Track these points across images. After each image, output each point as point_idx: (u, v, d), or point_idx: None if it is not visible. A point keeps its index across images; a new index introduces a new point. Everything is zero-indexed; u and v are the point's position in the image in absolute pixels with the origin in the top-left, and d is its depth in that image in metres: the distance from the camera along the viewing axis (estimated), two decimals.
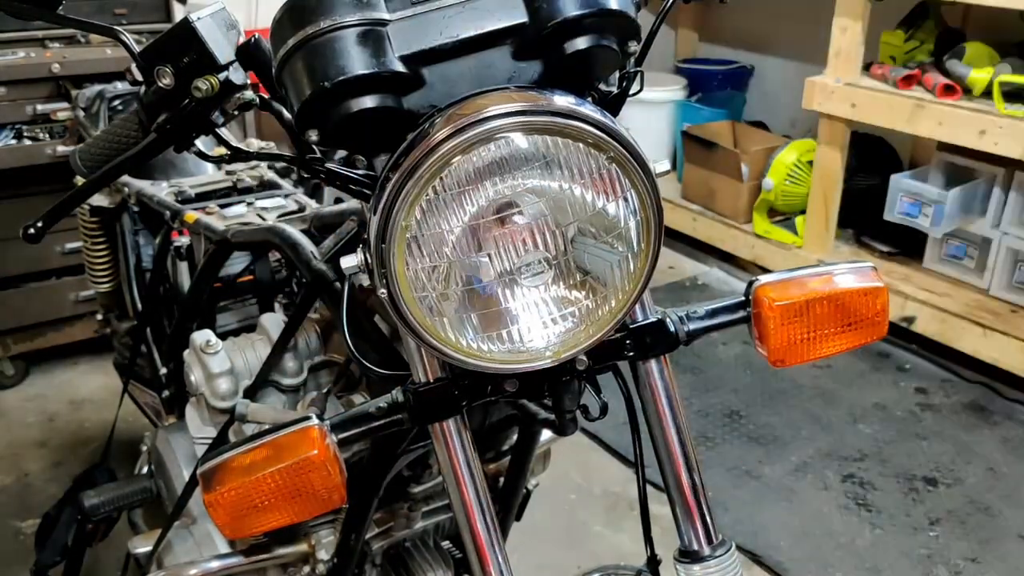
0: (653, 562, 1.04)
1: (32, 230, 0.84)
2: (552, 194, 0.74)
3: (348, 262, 0.76)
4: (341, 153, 0.85)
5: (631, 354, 0.93)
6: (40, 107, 2.53)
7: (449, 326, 0.76)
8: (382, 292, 0.73)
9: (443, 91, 0.73)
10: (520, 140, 0.70)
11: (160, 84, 0.78)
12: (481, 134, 0.69)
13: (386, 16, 0.71)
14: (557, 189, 0.73)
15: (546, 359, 0.79)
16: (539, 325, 0.78)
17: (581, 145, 0.72)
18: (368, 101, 0.71)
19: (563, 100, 0.71)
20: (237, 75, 0.78)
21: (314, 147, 0.77)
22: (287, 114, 0.78)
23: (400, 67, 0.71)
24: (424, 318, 0.75)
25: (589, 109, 0.72)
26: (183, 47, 0.76)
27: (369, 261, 0.75)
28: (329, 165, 0.78)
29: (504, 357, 0.78)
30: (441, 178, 0.70)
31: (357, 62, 0.70)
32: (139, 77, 0.80)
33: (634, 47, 0.78)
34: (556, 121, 0.70)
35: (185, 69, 0.77)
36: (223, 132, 0.88)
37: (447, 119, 0.70)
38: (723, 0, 0.97)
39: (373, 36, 0.71)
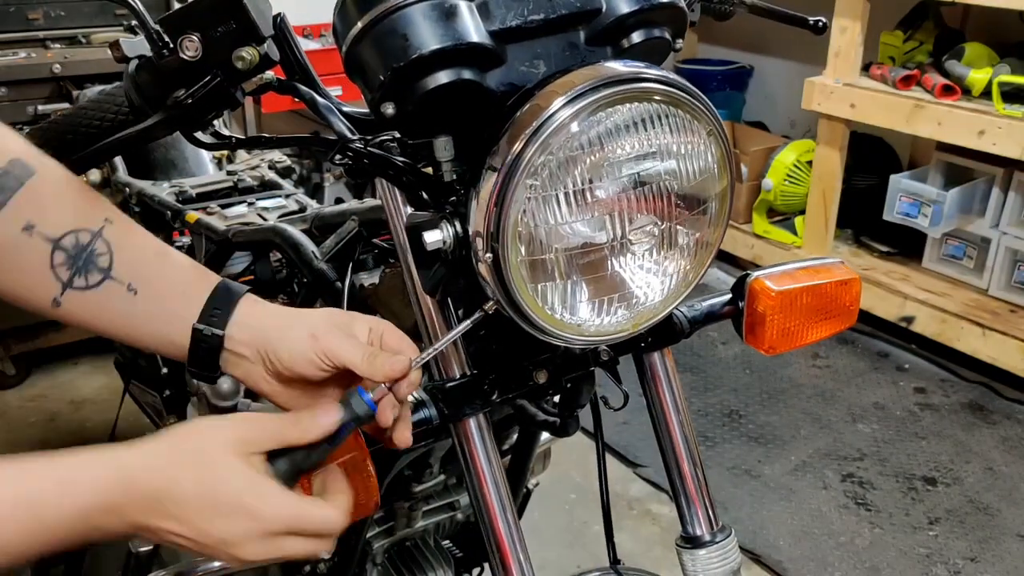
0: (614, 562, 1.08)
1: None
2: (664, 163, 0.75)
3: (432, 236, 0.74)
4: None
5: (644, 344, 0.95)
6: (41, 107, 2.53)
7: (553, 293, 0.76)
8: (488, 257, 0.73)
9: (522, 70, 0.74)
10: (644, 106, 0.72)
11: (184, 55, 0.71)
12: (612, 95, 0.71)
13: None
14: (669, 157, 0.75)
15: (639, 325, 0.81)
16: (641, 291, 0.79)
17: (688, 116, 0.75)
18: (456, 74, 0.71)
19: (663, 73, 0.74)
20: (272, 51, 0.74)
21: (354, 131, 0.76)
22: (318, 97, 0.77)
23: (490, 42, 0.72)
24: (525, 287, 0.74)
25: (687, 83, 0.75)
26: (221, 16, 0.71)
27: (459, 232, 0.74)
28: (369, 148, 0.76)
29: (605, 328, 0.79)
30: (559, 145, 0.71)
31: (453, 33, 0.70)
32: (129, 52, 0.74)
33: (680, 44, 0.83)
34: (671, 91, 0.73)
35: (219, 40, 0.71)
36: (224, 130, 0.87)
37: (566, 83, 0.71)
38: (725, 18, 0.99)
39: (467, 9, 0.71)
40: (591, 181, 0.73)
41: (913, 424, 2.69)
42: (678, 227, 0.78)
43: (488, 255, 0.72)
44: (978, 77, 2.75)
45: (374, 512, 0.84)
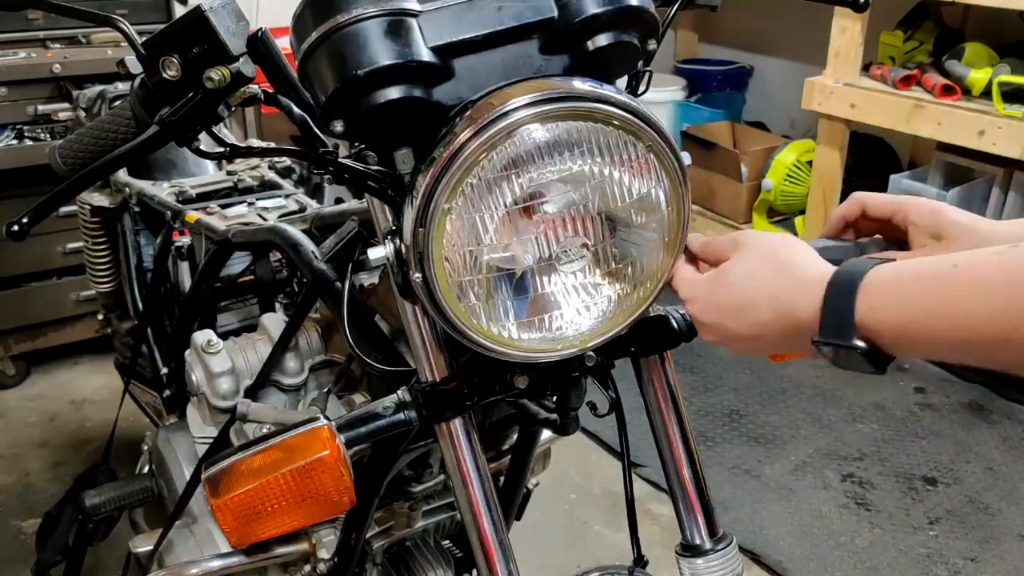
0: (640, 562, 1.06)
1: (16, 227, 0.80)
2: (593, 180, 0.74)
3: (376, 253, 0.76)
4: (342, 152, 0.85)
5: (634, 349, 0.94)
6: (41, 107, 2.53)
7: (483, 312, 0.76)
8: (417, 276, 0.73)
9: (472, 83, 0.74)
10: (553, 127, 0.71)
11: (165, 76, 0.74)
12: (548, 112, 0.70)
13: (416, 7, 0.72)
14: (598, 175, 0.74)
15: (574, 347, 0.79)
16: (573, 312, 0.79)
17: (622, 131, 0.73)
18: (400, 91, 0.71)
19: (586, 85, 0.72)
20: (247, 68, 0.76)
21: (327, 142, 0.77)
22: (296, 109, 0.78)
23: (432, 58, 0.71)
24: (457, 305, 0.74)
25: (611, 91, 0.73)
26: (193, 37, 0.74)
27: (401, 249, 0.74)
28: (342, 159, 0.77)
29: (536, 346, 0.78)
30: (482, 164, 0.70)
31: (390, 51, 0.70)
32: (133, 70, 0.76)
33: (653, 45, 0.80)
34: (584, 105, 0.71)
35: (194, 60, 0.74)
36: (224, 133, 0.87)
37: (482, 108, 0.71)
38: (714, 8, 0.98)
39: (404, 26, 0.71)
40: (516, 202, 0.72)
41: (913, 424, 2.69)
42: (613, 248, 0.77)
43: (417, 275, 0.73)
44: (978, 77, 2.75)
45: (349, 508, 0.84)
